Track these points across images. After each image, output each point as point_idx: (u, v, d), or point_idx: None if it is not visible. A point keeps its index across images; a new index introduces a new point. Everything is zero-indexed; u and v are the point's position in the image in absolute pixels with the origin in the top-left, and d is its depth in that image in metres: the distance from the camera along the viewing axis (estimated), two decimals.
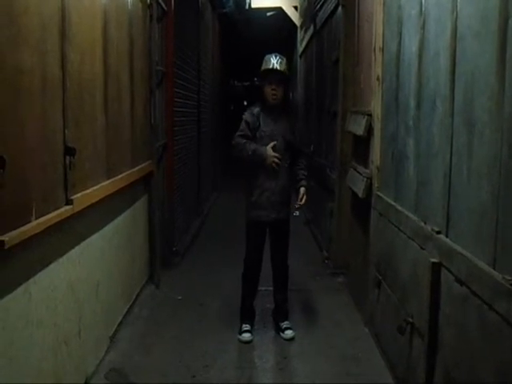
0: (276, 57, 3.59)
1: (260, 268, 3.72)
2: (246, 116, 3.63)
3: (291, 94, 11.10)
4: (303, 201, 3.64)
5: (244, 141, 3.55)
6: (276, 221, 3.62)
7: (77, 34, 2.64)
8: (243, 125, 3.61)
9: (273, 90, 3.55)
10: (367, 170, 3.66)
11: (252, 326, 3.71)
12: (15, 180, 2.03)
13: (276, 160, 3.50)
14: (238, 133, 3.60)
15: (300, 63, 9.45)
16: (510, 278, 1.62)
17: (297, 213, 3.85)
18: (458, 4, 2.10)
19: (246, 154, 3.52)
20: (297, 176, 3.71)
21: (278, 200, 3.59)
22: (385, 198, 3.22)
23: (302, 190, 3.66)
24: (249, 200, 3.62)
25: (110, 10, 3.24)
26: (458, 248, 2.04)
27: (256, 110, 3.62)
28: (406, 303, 2.74)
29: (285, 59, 3.62)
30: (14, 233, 1.97)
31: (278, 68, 3.55)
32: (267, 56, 3.64)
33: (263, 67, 3.60)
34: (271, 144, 3.52)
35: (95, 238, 3.06)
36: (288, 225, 3.74)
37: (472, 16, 1.98)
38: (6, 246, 1.89)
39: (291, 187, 3.69)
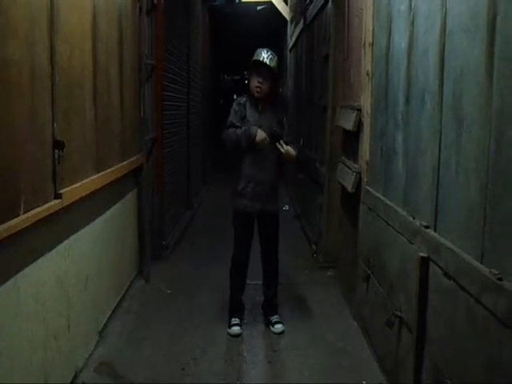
0: (267, 52, 3.60)
1: (247, 263, 3.72)
2: (234, 106, 3.67)
3: (281, 89, 11.09)
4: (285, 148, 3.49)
5: (233, 128, 3.56)
6: (262, 212, 3.61)
7: (66, 25, 2.62)
8: (232, 115, 3.63)
9: (258, 83, 3.55)
10: (356, 165, 3.67)
11: (241, 319, 3.72)
12: (3, 174, 2.01)
13: (266, 140, 3.45)
14: (227, 124, 3.63)
15: (290, 57, 9.44)
16: (497, 272, 1.64)
17: (286, 207, 3.85)
18: (448, 0, 2.11)
19: (234, 136, 3.50)
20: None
21: (264, 191, 3.58)
22: (374, 192, 3.23)
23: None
24: (235, 189, 3.62)
25: (100, 1, 3.21)
26: (447, 242, 2.05)
27: (243, 100, 3.67)
28: (394, 297, 2.77)
29: (276, 57, 3.62)
30: (1, 226, 1.96)
31: (268, 63, 3.55)
32: (259, 49, 3.66)
33: (253, 58, 3.62)
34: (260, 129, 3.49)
35: (84, 232, 3.05)
36: (276, 219, 3.73)
37: (461, 12, 1.98)
38: None
39: (278, 180, 3.70)
